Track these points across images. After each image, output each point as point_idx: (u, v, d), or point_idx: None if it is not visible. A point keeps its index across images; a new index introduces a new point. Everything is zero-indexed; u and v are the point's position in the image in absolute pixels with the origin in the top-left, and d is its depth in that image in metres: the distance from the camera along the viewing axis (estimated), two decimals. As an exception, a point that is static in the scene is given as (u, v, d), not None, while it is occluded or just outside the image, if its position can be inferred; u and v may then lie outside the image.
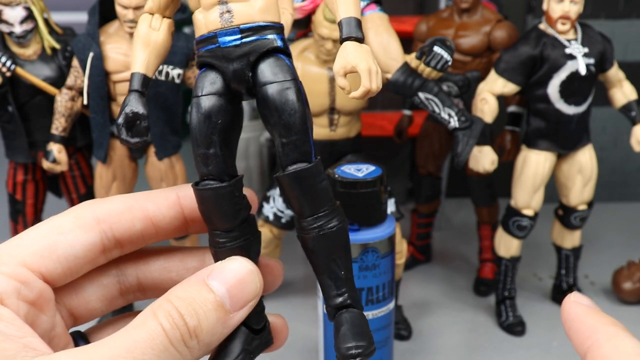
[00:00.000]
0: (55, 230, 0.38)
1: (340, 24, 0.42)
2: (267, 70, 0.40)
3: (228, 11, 0.40)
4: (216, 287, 0.37)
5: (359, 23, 0.41)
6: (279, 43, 0.41)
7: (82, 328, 0.43)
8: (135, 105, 0.44)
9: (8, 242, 0.37)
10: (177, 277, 0.43)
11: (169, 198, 0.42)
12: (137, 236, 0.41)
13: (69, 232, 0.38)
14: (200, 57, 0.42)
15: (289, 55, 0.42)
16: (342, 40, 0.41)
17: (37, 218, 1.53)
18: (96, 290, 0.41)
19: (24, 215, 1.51)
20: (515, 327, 1.45)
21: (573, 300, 0.38)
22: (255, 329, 0.42)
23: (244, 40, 0.40)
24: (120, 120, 0.44)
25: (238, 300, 0.38)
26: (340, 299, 0.42)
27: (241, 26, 0.40)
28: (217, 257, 0.42)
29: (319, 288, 0.85)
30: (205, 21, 0.41)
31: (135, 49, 0.45)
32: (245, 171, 2.04)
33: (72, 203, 1.54)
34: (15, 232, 1.52)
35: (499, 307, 1.49)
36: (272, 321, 0.45)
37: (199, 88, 0.41)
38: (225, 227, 0.41)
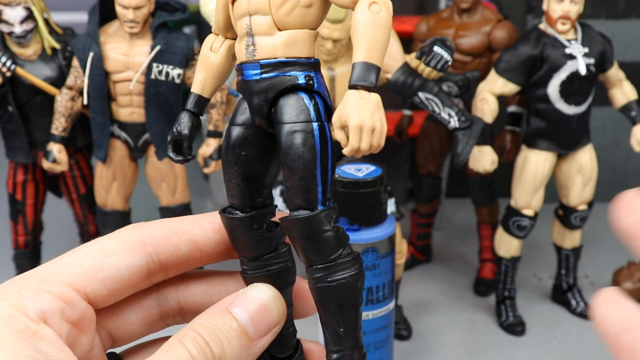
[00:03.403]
0: (102, 252, 0.38)
1: (352, 67, 0.38)
2: (282, 109, 0.39)
3: (253, 44, 0.39)
4: (239, 314, 0.37)
5: (371, 68, 0.37)
6: (300, 81, 0.39)
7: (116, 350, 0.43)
8: (183, 126, 0.45)
9: (55, 261, 0.37)
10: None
11: (214, 222, 0.41)
12: (182, 260, 0.40)
13: (115, 254, 0.38)
14: (237, 85, 0.41)
15: (315, 92, 0.39)
16: (349, 87, 0.37)
17: (37, 218, 1.53)
18: (137, 313, 0.41)
19: (24, 215, 1.51)
20: (515, 327, 1.45)
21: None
22: (279, 357, 0.42)
23: (263, 75, 0.39)
24: (169, 137, 0.45)
25: (261, 327, 0.38)
26: (334, 356, 0.39)
27: (261, 61, 0.39)
28: (245, 283, 0.41)
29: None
30: (238, 51, 0.41)
31: (197, 69, 0.45)
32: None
33: (72, 203, 1.54)
34: (16, 232, 1.52)
35: (499, 307, 1.49)
36: (308, 348, 0.44)
37: (232, 116, 0.42)
38: (248, 255, 0.41)
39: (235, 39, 0.43)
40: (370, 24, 0.37)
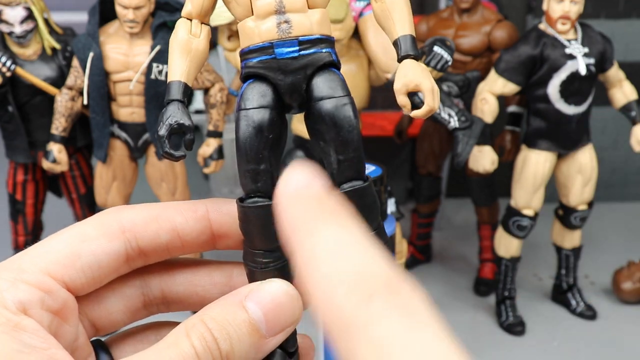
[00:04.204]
0: (79, 238, 0.37)
1: (397, 41, 0.41)
2: (324, 84, 0.39)
3: (286, 21, 0.39)
4: (252, 310, 0.36)
5: (415, 41, 0.41)
6: (333, 57, 0.40)
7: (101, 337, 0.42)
8: (181, 116, 0.41)
9: (31, 250, 0.36)
10: (203, 292, 0.42)
11: (197, 211, 0.40)
12: (162, 248, 0.39)
13: (93, 240, 0.37)
14: (251, 67, 0.40)
15: (339, 69, 0.41)
16: (401, 58, 0.41)
17: (37, 218, 1.53)
18: (119, 301, 0.40)
19: (24, 215, 1.51)
20: (515, 327, 1.45)
21: (282, 186, 0.26)
22: (290, 352, 0.41)
23: (301, 52, 0.39)
24: (164, 132, 0.40)
25: (275, 325, 0.36)
26: None
27: (300, 38, 0.39)
28: (254, 277, 0.40)
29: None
30: (259, 30, 0.39)
31: (174, 56, 0.42)
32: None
33: (72, 203, 1.54)
34: (16, 232, 1.52)
35: (499, 307, 1.49)
36: (299, 342, 0.44)
37: (247, 100, 0.39)
38: (269, 246, 0.40)
39: (209, 25, 0.43)
40: (405, 1, 0.41)
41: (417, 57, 0.40)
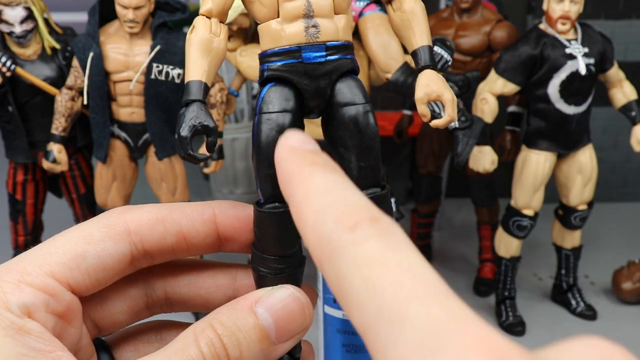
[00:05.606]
0: (84, 240, 0.36)
1: (417, 52, 0.43)
2: (347, 90, 0.39)
3: (314, 26, 0.38)
4: (263, 316, 0.36)
5: (432, 51, 0.43)
6: (355, 64, 0.40)
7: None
8: (204, 118, 0.39)
9: (34, 251, 0.36)
10: (207, 294, 0.41)
11: (204, 213, 0.39)
12: (168, 250, 0.39)
13: (98, 242, 0.36)
14: (274, 70, 0.39)
15: (357, 75, 0.41)
16: (422, 67, 0.43)
17: (37, 218, 1.53)
18: (122, 302, 0.40)
19: (24, 215, 1.51)
20: (515, 327, 1.45)
21: (281, 144, 0.30)
22: (296, 357, 0.41)
23: (328, 57, 0.39)
24: (186, 133, 0.39)
25: (285, 332, 0.36)
26: None
27: (327, 43, 0.39)
28: (265, 283, 0.39)
29: (319, 288, 0.85)
30: (285, 33, 0.38)
31: (194, 54, 0.41)
32: (245, 171, 2.04)
33: (72, 203, 1.54)
34: (16, 232, 1.52)
35: (499, 307, 1.49)
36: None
37: (270, 103, 0.38)
38: (284, 252, 0.39)
39: (225, 23, 0.42)
40: (423, 11, 0.42)
41: (435, 68, 0.42)
